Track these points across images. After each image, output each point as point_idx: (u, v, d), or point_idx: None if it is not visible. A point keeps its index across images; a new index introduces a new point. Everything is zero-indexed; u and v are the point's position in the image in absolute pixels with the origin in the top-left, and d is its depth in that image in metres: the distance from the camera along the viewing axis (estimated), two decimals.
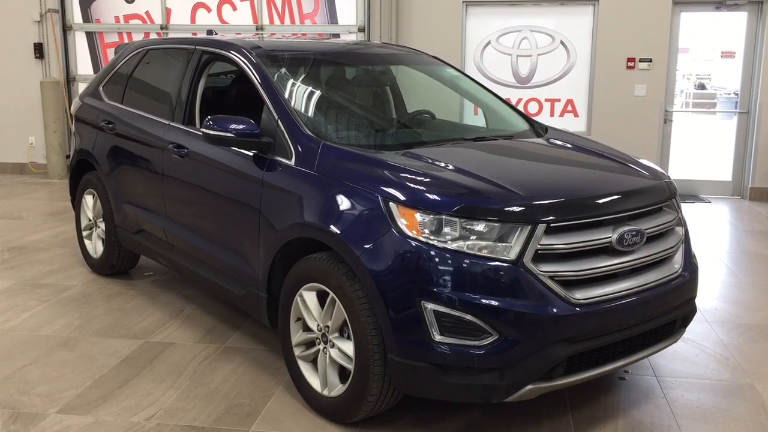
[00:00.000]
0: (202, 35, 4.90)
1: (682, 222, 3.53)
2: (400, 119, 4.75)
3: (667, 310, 3.29)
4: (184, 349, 4.08)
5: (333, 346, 3.22)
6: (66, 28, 9.33)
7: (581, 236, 2.99)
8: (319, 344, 3.31)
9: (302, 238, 3.35)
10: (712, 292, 5.19)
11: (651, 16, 8.34)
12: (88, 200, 5.34)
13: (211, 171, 3.97)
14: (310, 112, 3.89)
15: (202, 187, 4.06)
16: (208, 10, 9.10)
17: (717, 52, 11.58)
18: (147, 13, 9.21)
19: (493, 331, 2.84)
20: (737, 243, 6.73)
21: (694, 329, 4.32)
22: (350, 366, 3.12)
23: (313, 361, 3.39)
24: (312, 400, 3.37)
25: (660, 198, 3.37)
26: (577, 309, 2.91)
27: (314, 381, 3.36)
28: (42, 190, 8.63)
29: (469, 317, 2.84)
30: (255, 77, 3.88)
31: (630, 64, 8.44)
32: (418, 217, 2.94)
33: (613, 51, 8.44)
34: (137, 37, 8.90)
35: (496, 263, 2.86)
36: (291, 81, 4.01)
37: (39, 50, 9.29)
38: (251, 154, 3.68)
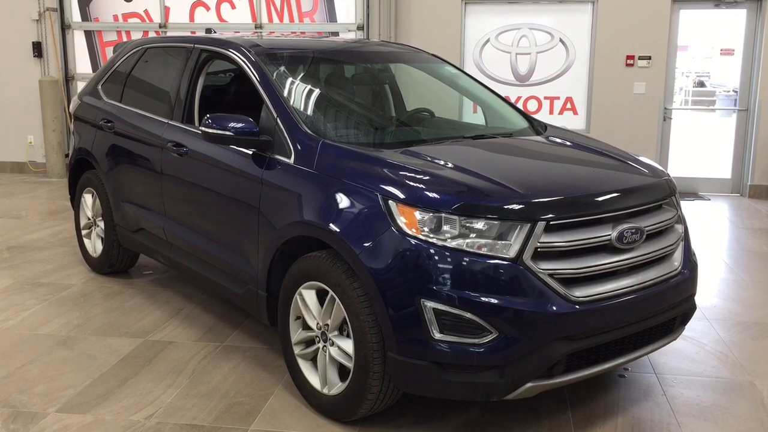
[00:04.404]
0: (201, 34, 4.90)
1: (681, 219, 3.53)
2: (400, 117, 4.74)
3: (667, 308, 3.29)
4: (184, 348, 4.08)
5: (332, 344, 3.22)
6: (65, 27, 9.31)
7: (581, 234, 2.99)
8: (318, 342, 3.31)
9: (301, 236, 3.34)
10: (711, 290, 5.19)
11: (650, 13, 8.33)
12: (87, 199, 5.34)
13: (210, 169, 3.96)
14: (309, 111, 3.89)
15: (201, 186, 4.06)
16: (207, 8, 9.09)
17: (716, 49, 11.57)
18: (146, 11, 9.20)
19: (492, 329, 2.84)
20: (737, 240, 6.73)
21: (693, 327, 4.32)
22: (350, 364, 3.11)
23: (313, 360, 3.38)
24: (312, 398, 3.37)
25: (659, 195, 3.37)
26: (577, 307, 2.91)
27: (314, 379, 3.36)
28: (41, 189, 8.63)
29: (468, 315, 2.84)
30: (254, 76, 3.88)
31: (629, 61, 8.44)
32: (418, 215, 2.94)
33: (612, 49, 8.44)
34: (136, 36, 8.89)
35: (496, 261, 2.86)
36: (290, 79, 4.00)
37: (38, 49, 9.28)
38: (250, 152, 3.67)
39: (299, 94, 3.96)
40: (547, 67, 8.73)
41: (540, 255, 2.91)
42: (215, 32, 4.76)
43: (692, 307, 3.51)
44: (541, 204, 2.97)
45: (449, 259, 2.87)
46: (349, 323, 3.08)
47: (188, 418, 3.32)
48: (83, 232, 5.46)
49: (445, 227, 2.91)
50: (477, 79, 4.88)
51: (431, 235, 2.91)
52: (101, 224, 5.21)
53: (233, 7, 9.05)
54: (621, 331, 3.09)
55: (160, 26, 9.17)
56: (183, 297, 4.89)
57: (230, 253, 3.87)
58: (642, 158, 3.75)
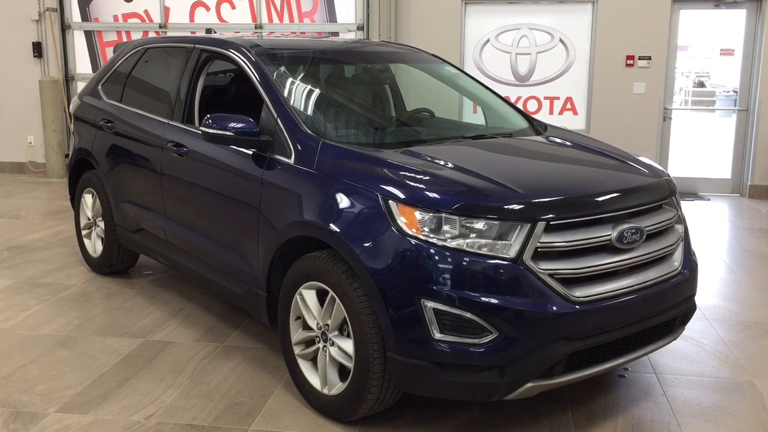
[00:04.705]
0: (201, 34, 4.90)
1: (681, 220, 3.53)
2: (400, 117, 4.74)
3: (667, 308, 3.29)
4: (184, 348, 4.08)
5: (333, 344, 3.22)
6: (65, 27, 9.31)
7: (581, 234, 2.99)
8: (318, 342, 3.31)
9: (302, 236, 3.34)
10: (711, 290, 5.19)
11: (650, 13, 8.34)
12: (88, 199, 5.34)
13: (210, 170, 3.96)
14: (310, 111, 3.89)
15: (201, 186, 4.06)
16: (207, 8, 9.09)
17: (716, 49, 11.59)
18: (146, 11, 9.20)
19: (492, 329, 2.84)
20: (736, 240, 6.73)
21: (693, 327, 4.32)
22: (350, 364, 3.11)
23: (313, 360, 3.39)
24: (312, 398, 3.37)
25: (659, 195, 3.37)
26: (577, 307, 2.91)
27: (314, 379, 3.36)
28: (41, 189, 8.63)
29: (468, 315, 2.84)
30: (254, 76, 3.88)
31: (629, 61, 8.44)
32: (418, 215, 2.94)
33: (612, 49, 8.44)
34: (136, 36, 8.89)
35: (496, 261, 2.86)
36: (290, 79, 4.00)
37: (38, 49, 9.28)
38: (250, 152, 3.67)
39: (299, 94, 3.96)
40: (547, 68, 8.73)
41: (540, 255, 2.91)
42: (215, 32, 4.76)
43: (692, 307, 3.51)
44: (542, 204, 2.97)
45: (449, 259, 2.87)
46: (349, 323, 3.08)
47: (188, 418, 3.32)
48: (83, 233, 5.46)
49: (446, 227, 2.91)
50: (477, 79, 4.88)
51: (431, 235, 2.91)
52: (101, 224, 5.21)
53: (233, 7, 9.05)
54: (621, 331, 3.09)
55: (160, 26, 9.17)
56: (183, 297, 4.89)
57: (230, 253, 3.87)
58: (642, 158, 3.75)
